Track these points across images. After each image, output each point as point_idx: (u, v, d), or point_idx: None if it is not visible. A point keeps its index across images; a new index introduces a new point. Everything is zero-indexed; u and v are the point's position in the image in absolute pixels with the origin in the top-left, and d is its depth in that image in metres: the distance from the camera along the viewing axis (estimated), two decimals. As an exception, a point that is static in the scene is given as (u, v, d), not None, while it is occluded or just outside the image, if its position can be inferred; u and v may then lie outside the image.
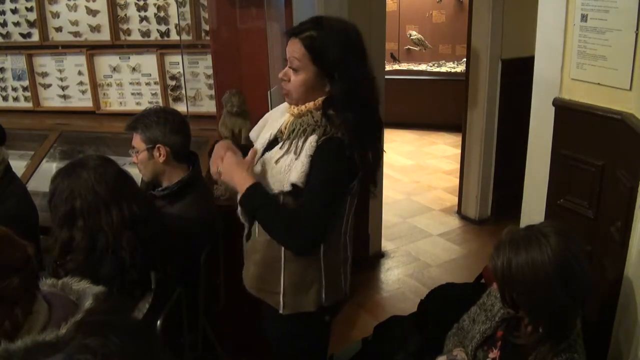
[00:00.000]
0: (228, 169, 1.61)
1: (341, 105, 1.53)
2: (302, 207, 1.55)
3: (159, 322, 1.88)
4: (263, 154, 1.68)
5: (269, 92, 2.46)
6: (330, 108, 1.55)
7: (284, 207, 1.58)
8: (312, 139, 1.53)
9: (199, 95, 3.03)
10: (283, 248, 1.62)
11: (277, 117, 1.74)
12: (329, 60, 1.52)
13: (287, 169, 1.55)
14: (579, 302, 1.47)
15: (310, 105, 1.58)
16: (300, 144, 1.55)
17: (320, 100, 1.57)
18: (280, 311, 1.67)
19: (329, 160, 1.52)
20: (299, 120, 1.59)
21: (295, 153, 1.55)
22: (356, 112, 1.53)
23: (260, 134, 1.77)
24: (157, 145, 2.02)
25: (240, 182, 1.58)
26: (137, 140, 2.05)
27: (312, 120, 1.56)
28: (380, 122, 1.68)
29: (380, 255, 3.74)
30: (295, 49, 1.55)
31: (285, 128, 1.65)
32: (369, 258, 3.62)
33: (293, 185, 1.53)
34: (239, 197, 1.60)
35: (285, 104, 1.71)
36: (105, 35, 3.11)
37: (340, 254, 1.71)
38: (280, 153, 1.59)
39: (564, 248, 1.44)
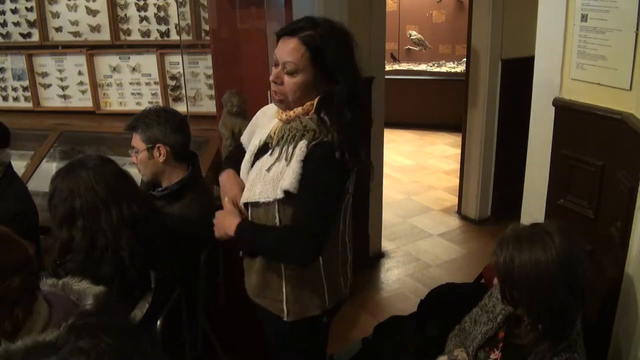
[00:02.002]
0: (220, 225, 1.64)
1: (343, 106, 1.50)
2: (298, 218, 1.52)
3: (159, 322, 1.88)
4: (254, 161, 1.64)
5: (269, 92, 2.45)
6: (326, 108, 1.51)
7: (275, 228, 1.56)
8: (301, 144, 1.50)
9: (199, 95, 3.03)
10: None
11: (266, 123, 1.70)
12: (330, 61, 1.48)
13: (280, 176, 1.51)
14: (579, 302, 1.47)
15: (298, 110, 1.54)
16: (290, 150, 1.51)
17: (308, 105, 1.53)
18: (285, 319, 1.65)
19: (321, 165, 1.49)
20: (287, 126, 1.55)
21: (286, 159, 1.51)
22: (355, 111, 1.51)
23: (252, 139, 1.74)
24: (157, 145, 2.02)
25: (230, 227, 1.58)
26: (137, 140, 2.05)
27: (300, 125, 1.52)
28: (371, 121, 1.66)
29: (380, 255, 3.74)
30: (292, 49, 1.48)
31: (274, 134, 1.61)
32: (369, 258, 3.62)
33: (285, 192, 1.49)
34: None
35: (274, 108, 1.65)
36: (105, 35, 3.11)
37: (339, 256, 1.70)
38: (272, 160, 1.55)
39: (567, 249, 1.43)
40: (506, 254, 1.47)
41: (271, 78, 1.54)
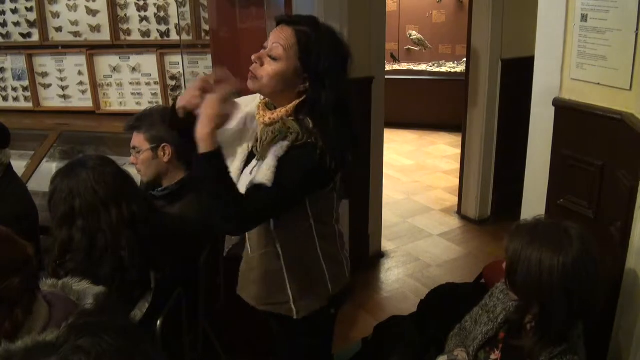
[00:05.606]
0: (202, 120, 1.39)
1: (328, 112, 1.47)
2: (252, 193, 1.42)
3: (158, 322, 1.88)
4: (243, 168, 1.64)
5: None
6: (310, 111, 1.49)
7: (233, 189, 1.43)
8: (283, 143, 1.46)
9: (199, 95, 3.03)
10: (282, 258, 1.61)
11: (255, 127, 1.65)
12: (316, 64, 1.47)
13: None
14: (577, 310, 1.46)
15: (282, 111, 1.52)
16: (270, 148, 1.49)
17: (291, 106, 1.51)
18: (295, 317, 1.65)
19: (297, 164, 1.45)
20: (270, 128, 1.53)
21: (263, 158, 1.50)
22: (340, 118, 1.49)
23: (239, 148, 1.69)
24: (163, 145, 2.01)
25: (202, 139, 1.38)
26: (140, 140, 2.04)
27: (284, 127, 1.49)
28: (357, 133, 1.60)
29: (380, 255, 3.74)
30: (284, 36, 1.48)
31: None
32: (369, 258, 3.62)
33: (257, 184, 1.42)
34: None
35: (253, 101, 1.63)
36: (105, 35, 3.11)
37: (337, 242, 1.70)
38: (255, 163, 1.57)
39: (580, 259, 1.41)
40: (517, 243, 1.46)
41: (253, 57, 1.52)
